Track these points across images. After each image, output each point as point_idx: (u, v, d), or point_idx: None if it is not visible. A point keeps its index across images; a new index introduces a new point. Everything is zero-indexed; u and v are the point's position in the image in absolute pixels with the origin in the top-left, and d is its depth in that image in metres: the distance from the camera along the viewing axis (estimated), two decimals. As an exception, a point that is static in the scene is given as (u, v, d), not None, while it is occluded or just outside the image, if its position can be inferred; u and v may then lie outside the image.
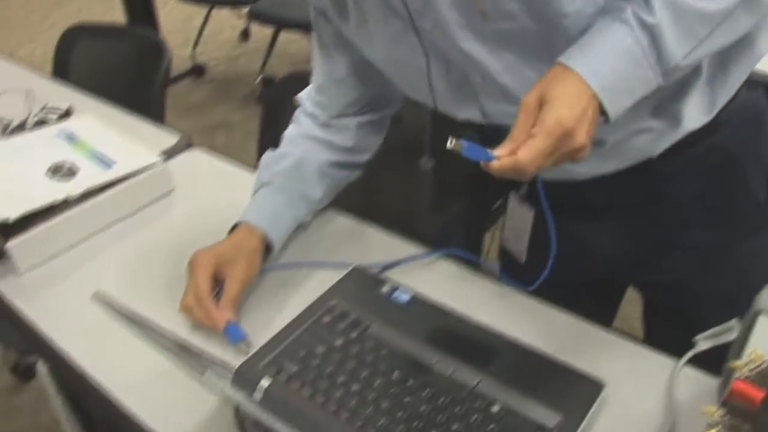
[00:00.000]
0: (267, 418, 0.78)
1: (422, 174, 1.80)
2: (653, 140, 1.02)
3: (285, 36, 4.31)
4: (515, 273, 1.17)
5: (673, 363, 0.99)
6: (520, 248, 1.25)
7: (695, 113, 1.00)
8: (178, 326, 1.09)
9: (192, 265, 1.11)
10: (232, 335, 1.04)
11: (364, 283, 1.11)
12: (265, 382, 0.95)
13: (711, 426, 0.73)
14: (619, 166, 1.05)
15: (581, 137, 0.82)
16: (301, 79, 1.81)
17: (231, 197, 1.31)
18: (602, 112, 0.84)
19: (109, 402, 1.00)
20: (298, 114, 1.30)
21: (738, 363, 0.80)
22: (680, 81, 0.96)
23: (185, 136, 1.62)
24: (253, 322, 1.09)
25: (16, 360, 2.35)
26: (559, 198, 1.04)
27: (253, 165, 1.34)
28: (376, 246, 1.24)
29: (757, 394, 0.74)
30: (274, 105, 1.76)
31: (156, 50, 2.02)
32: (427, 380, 0.94)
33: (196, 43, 4.46)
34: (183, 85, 4.29)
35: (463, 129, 1.03)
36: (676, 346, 1.00)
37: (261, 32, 4.49)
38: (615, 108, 0.85)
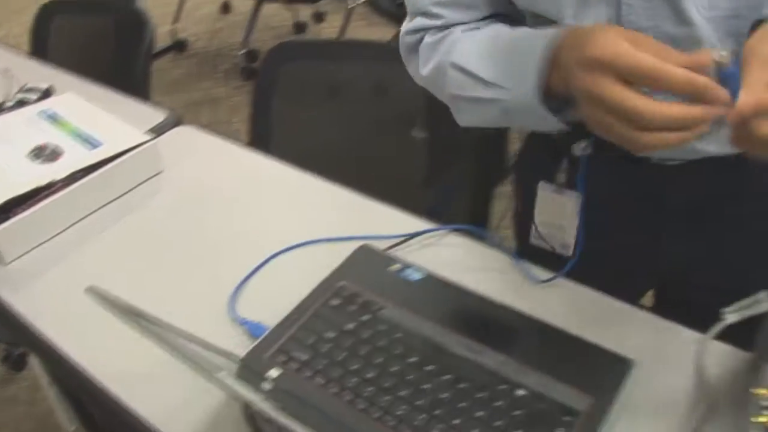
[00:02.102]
0: (278, 415, 0.72)
1: (415, 144, 1.75)
2: None
3: (267, 8, 4.21)
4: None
5: (701, 338, 0.94)
6: (564, 242, 1.15)
7: None
8: (174, 315, 1.03)
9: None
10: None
11: (372, 262, 1.05)
12: (274, 373, 0.89)
13: (762, 409, 0.68)
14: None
15: None
16: (290, 50, 1.76)
17: (224, 174, 1.25)
18: None
19: (107, 397, 0.94)
20: (411, 48, 1.08)
21: None
22: None
23: (173, 113, 1.55)
24: (258, 308, 1.03)
25: (7, 350, 2.29)
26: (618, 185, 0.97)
27: (241, 139, 1.27)
28: (381, 221, 1.17)
29: None
30: (266, 78, 1.69)
31: (137, 23, 1.95)
32: (446, 364, 0.88)
33: (176, 18, 4.36)
34: (164, 61, 4.20)
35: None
36: None
37: (242, 5, 4.40)
38: None
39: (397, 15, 2.84)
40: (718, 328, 0.90)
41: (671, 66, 0.69)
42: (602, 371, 0.88)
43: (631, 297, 1.15)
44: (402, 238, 1.12)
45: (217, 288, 1.08)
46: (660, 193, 1.06)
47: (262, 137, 1.68)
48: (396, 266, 1.03)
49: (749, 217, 1.04)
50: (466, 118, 1.01)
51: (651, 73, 0.70)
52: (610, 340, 0.92)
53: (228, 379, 0.74)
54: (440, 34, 1.01)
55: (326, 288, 1.00)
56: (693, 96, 0.70)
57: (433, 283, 1.01)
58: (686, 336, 0.96)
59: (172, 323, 0.81)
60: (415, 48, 1.06)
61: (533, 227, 1.14)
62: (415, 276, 1.02)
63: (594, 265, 1.05)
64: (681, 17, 0.86)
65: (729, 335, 0.91)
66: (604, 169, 0.99)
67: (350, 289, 0.99)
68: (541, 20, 0.95)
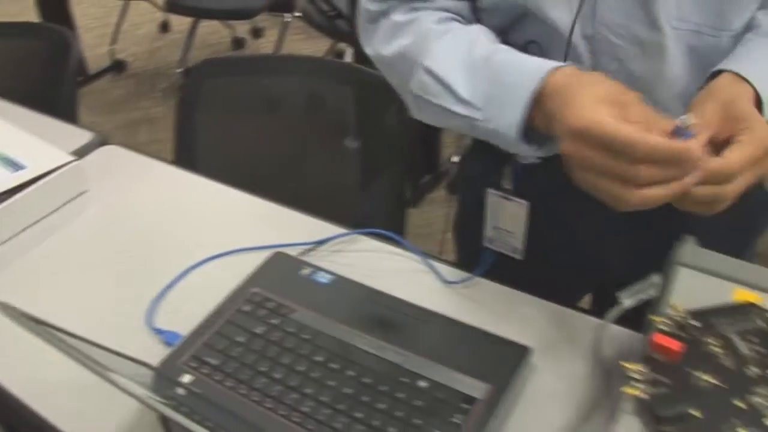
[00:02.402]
0: (183, 418, 0.75)
1: (348, 154, 1.78)
2: None
3: (206, 25, 4.24)
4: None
5: (600, 323, 0.99)
6: (514, 246, 1.17)
7: None
8: (96, 329, 1.05)
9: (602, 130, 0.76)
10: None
11: (284, 268, 1.09)
12: (186, 378, 0.93)
13: (631, 381, 0.72)
14: None
15: None
16: (215, 65, 1.78)
17: (148, 191, 1.27)
18: None
19: (27, 411, 0.96)
20: (372, 18, 1.06)
21: (657, 317, 0.79)
22: None
23: (99, 133, 1.57)
24: (177, 319, 1.06)
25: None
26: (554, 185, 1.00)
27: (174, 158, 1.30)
28: (298, 229, 1.21)
29: (676, 347, 0.74)
30: (190, 93, 1.72)
31: (63, 45, 1.96)
32: (351, 361, 0.92)
33: (113, 40, 4.36)
34: (103, 82, 4.20)
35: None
36: None
37: (181, 24, 4.41)
38: None
39: (329, 28, 2.88)
40: (615, 312, 0.94)
41: (649, 135, 0.72)
42: (500, 360, 0.92)
43: (574, 299, 1.20)
44: (314, 245, 1.16)
45: (138, 302, 1.10)
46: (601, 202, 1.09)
47: (188, 154, 1.70)
48: (307, 271, 1.07)
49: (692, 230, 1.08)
50: (424, 117, 1.01)
51: (628, 143, 0.72)
52: (515, 332, 0.97)
53: (131, 385, 0.76)
54: (409, 16, 1.00)
55: (239, 295, 1.04)
56: (672, 162, 0.73)
57: (342, 285, 1.05)
58: (590, 323, 1.01)
59: (89, 337, 0.83)
60: (376, 18, 1.04)
61: (484, 232, 1.18)
62: (325, 279, 1.05)
63: (539, 268, 1.09)
64: (652, 23, 0.91)
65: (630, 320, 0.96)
66: (548, 176, 0.99)
67: (262, 295, 1.03)
68: (504, 13, 0.98)
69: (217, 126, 1.77)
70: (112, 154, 1.53)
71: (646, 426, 0.69)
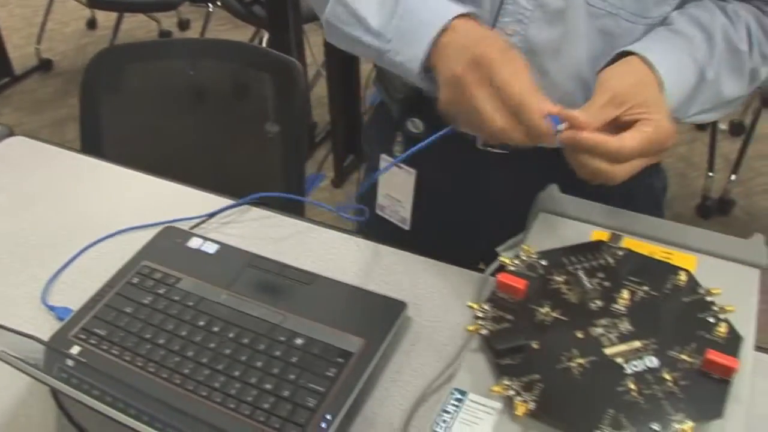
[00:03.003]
0: (72, 391, 0.78)
1: (269, 139, 1.81)
2: None
3: (134, 20, 4.22)
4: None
5: (481, 277, 1.02)
6: (402, 216, 1.22)
7: None
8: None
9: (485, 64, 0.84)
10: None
11: (173, 241, 1.11)
12: (75, 350, 0.95)
13: (475, 319, 0.76)
14: None
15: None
16: (112, 54, 1.79)
17: (50, 177, 1.28)
18: None
19: None
20: None
21: (508, 258, 0.83)
22: None
23: (5, 126, 1.58)
24: (73, 297, 1.08)
25: None
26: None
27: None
28: (194, 204, 1.23)
29: (520, 284, 0.77)
30: (90, 85, 1.73)
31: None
32: (231, 323, 0.95)
33: (39, 39, 4.32)
34: (31, 81, 4.16)
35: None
36: None
37: (109, 20, 4.38)
38: None
39: (247, 15, 2.90)
40: (494, 265, 0.98)
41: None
42: (377, 315, 0.96)
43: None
44: (205, 217, 1.19)
45: (34, 282, 1.12)
46: (484, 177, 1.13)
47: (94, 142, 1.72)
48: (195, 242, 1.10)
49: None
50: (336, 42, 1.04)
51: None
52: (394, 288, 1.00)
53: (19, 361, 0.78)
54: None
55: (129, 268, 1.06)
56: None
57: (228, 253, 1.08)
58: (473, 277, 1.05)
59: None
60: None
61: (377, 199, 1.22)
62: (212, 249, 1.08)
63: (425, 238, 1.13)
64: None
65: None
66: (435, 148, 1.00)
67: (151, 267, 1.05)
68: None
69: (121, 113, 1.78)
70: (17, 144, 1.54)
71: (489, 362, 0.72)
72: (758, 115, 2.94)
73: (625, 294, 0.78)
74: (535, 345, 0.73)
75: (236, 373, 0.89)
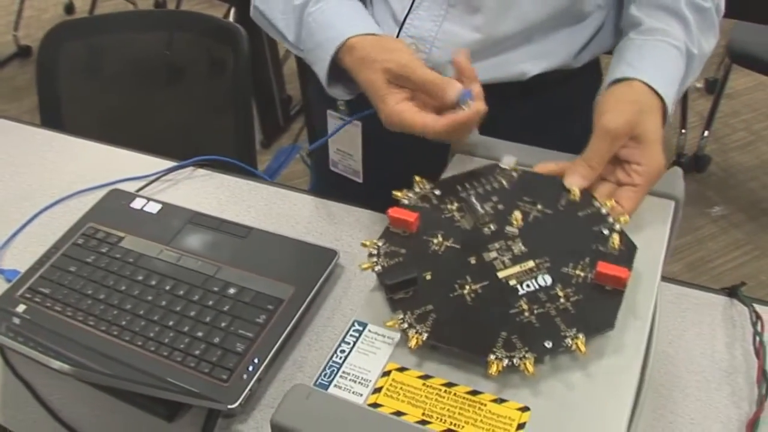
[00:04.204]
0: (19, 346, 0.82)
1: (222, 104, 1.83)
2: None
3: (109, 4, 4.23)
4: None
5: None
6: (354, 169, 1.24)
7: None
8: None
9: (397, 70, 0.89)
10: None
11: (118, 202, 1.14)
12: (20, 308, 0.99)
13: (369, 257, 0.77)
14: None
15: None
16: (67, 28, 1.82)
17: (11, 153, 1.31)
18: None
19: None
20: None
21: (400, 192, 0.84)
22: None
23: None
24: (22, 261, 1.11)
25: None
26: None
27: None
28: (140, 167, 1.26)
29: (411, 217, 0.78)
30: (46, 60, 1.76)
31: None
32: (168, 277, 0.99)
33: (16, 26, 4.34)
34: (10, 69, 4.18)
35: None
36: None
37: (86, 5, 4.39)
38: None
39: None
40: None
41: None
42: (308, 265, 1.00)
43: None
44: (152, 178, 1.22)
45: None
46: None
47: (53, 114, 1.75)
48: (138, 202, 1.13)
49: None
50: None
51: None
52: (330, 238, 1.03)
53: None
54: None
55: (75, 230, 1.10)
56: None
57: (169, 212, 1.11)
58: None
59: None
60: None
61: (330, 155, 1.24)
62: (154, 208, 1.12)
63: (379, 189, 1.15)
64: None
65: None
66: None
67: (96, 228, 1.09)
68: None
69: (79, 86, 1.82)
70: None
71: (386, 300, 0.74)
72: (728, 70, 2.95)
73: (518, 215, 0.78)
74: (428, 276, 0.74)
75: (170, 323, 0.92)
